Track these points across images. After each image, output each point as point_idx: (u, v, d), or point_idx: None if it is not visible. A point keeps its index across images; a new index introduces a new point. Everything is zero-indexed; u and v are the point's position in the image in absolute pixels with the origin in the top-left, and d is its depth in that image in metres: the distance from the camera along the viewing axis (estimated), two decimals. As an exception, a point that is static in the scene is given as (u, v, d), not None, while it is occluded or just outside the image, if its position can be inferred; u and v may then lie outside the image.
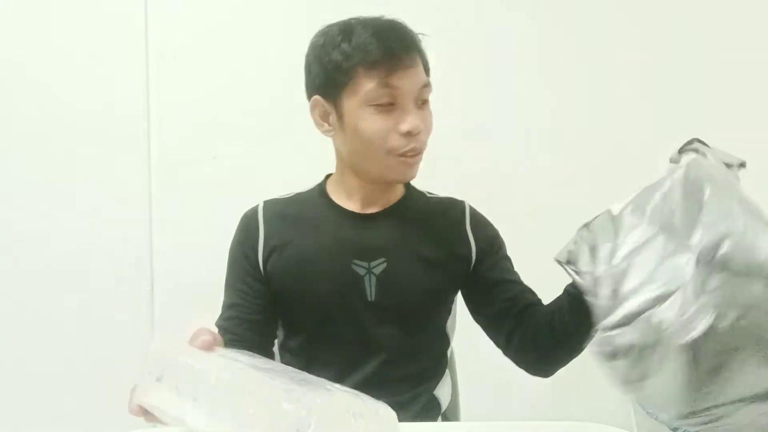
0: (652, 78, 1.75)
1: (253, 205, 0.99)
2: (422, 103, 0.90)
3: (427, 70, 0.93)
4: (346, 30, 0.88)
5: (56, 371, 1.67)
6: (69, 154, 1.66)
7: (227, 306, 0.91)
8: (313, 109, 0.94)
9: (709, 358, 0.50)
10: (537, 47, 1.75)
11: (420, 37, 0.93)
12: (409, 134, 0.87)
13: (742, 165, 0.68)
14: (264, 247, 0.91)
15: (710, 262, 0.51)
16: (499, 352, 0.91)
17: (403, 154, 0.89)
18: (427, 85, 0.90)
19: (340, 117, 0.90)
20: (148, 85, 1.69)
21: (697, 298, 0.50)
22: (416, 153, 0.90)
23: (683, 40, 1.74)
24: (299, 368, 0.55)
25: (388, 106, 0.87)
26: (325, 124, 0.93)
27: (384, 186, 0.95)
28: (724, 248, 0.51)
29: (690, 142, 0.69)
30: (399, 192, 0.99)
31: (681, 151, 0.68)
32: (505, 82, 1.74)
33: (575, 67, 1.75)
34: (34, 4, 1.66)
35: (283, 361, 0.96)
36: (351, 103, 0.88)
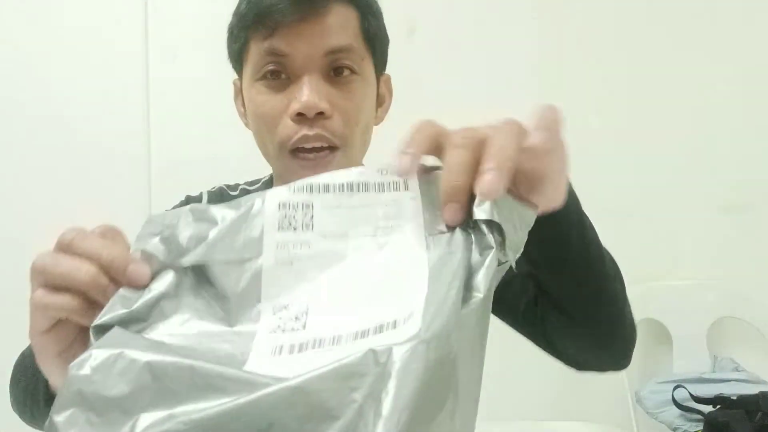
0: (657, 81, 1.74)
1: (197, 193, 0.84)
2: (336, 74, 0.65)
3: (366, 31, 0.67)
4: None
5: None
6: (68, 153, 1.66)
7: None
8: (235, 96, 0.76)
9: None
10: (537, 47, 1.75)
11: None
12: (301, 117, 0.63)
13: None
14: None
15: None
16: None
17: (297, 149, 0.65)
18: (341, 50, 0.64)
19: (244, 100, 0.71)
20: (148, 85, 1.69)
21: None
22: (315, 148, 0.64)
23: (685, 40, 1.74)
24: None
25: (278, 80, 0.65)
26: (246, 114, 0.73)
27: None
28: None
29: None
30: None
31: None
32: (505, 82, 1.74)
33: (575, 68, 1.75)
34: (34, 4, 1.66)
35: None
36: (245, 80, 0.69)
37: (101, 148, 1.68)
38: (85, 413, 0.31)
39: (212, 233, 0.37)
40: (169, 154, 1.70)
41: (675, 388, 1.43)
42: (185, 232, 0.38)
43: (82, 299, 0.37)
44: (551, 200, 0.47)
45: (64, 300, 0.36)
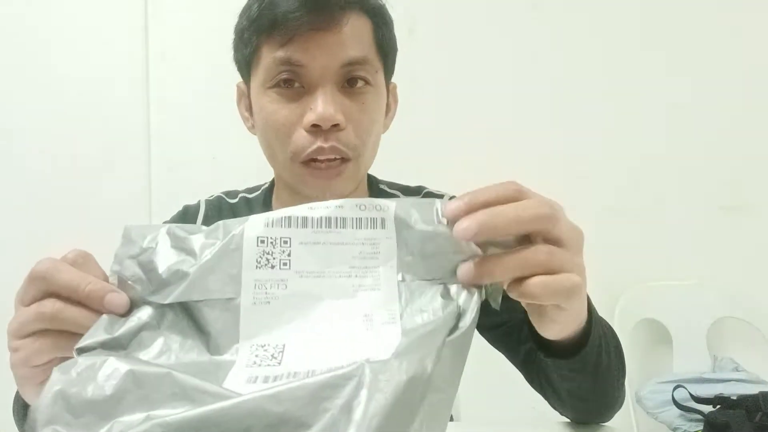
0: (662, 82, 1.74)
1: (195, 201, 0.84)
2: (350, 85, 0.65)
3: (379, 41, 0.67)
4: None
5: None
6: (68, 154, 1.66)
7: None
8: (238, 100, 0.75)
9: None
10: (537, 46, 1.75)
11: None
12: (316, 129, 0.63)
13: None
14: None
15: None
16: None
17: (311, 160, 0.64)
18: (357, 62, 0.64)
19: (251, 105, 0.70)
20: (148, 85, 1.69)
21: None
22: (330, 160, 0.64)
23: (684, 40, 1.74)
24: None
25: (292, 89, 0.64)
26: (250, 118, 0.72)
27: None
28: None
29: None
30: (361, 195, 0.75)
31: None
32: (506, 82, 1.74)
33: (574, 68, 1.74)
34: (34, 4, 1.66)
35: None
36: (255, 86, 0.68)
37: (101, 149, 1.68)
38: (63, 414, 0.31)
39: (192, 270, 0.38)
40: (169, 154, 1.70)
41: (675, 388, 1.43)
42: (164, 261, 0.39)
43: (77, 338, 0.38)
44: (572, 323, 0.48)
45: (64, 343, 0.39)
